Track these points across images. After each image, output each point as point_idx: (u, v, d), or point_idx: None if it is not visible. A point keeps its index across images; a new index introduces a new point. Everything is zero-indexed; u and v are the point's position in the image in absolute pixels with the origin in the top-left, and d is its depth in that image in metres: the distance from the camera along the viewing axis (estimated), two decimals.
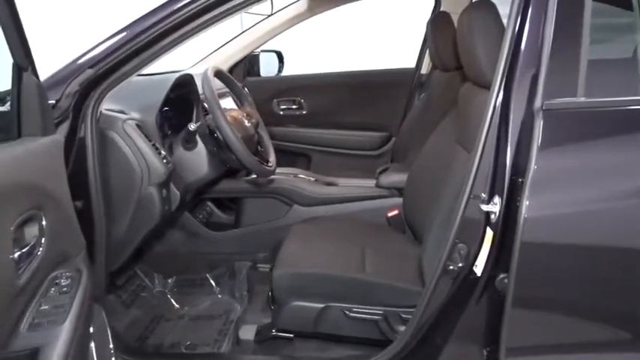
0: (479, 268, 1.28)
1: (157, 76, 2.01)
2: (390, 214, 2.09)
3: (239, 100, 1.99)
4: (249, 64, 2.89)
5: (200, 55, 2.78)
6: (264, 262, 2.16)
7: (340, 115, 2.93)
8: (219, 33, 2.97)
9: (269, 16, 2.75)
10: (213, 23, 1.42)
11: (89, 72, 1.38)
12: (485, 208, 1.21)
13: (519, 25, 1.18)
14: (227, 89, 2.10)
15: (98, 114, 1.45)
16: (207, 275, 2.17)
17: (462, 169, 1.29)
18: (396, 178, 2.17)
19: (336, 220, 2.07)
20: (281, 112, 2.94)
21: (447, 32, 2.11)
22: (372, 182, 2.23)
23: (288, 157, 3.00)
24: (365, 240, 1.80)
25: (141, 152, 1.52)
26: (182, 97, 2.00)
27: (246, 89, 2.80)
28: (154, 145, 1.57)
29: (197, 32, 1.42)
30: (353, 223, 2.03)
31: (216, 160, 1.78)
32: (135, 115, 1.59)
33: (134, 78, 1.82)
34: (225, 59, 2.79)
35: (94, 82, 1.39)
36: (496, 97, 1.20)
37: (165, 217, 1.61)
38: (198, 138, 1.74)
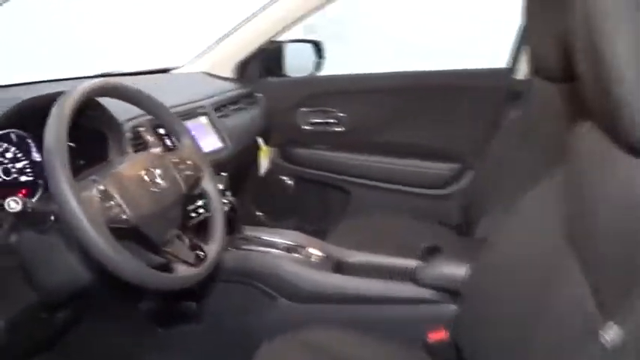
0: None
1: None
2: (432, 336, 1.20)
3: (174, 135, 1.19)
4: (267, 58, 2.06)
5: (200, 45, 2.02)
6: None
7: (392, 134, 2.03)
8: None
9: None
10: None
11: None
12: None
13: None
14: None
15: None
16: None
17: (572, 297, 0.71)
18: (448, 270, 1.26)
19: (339, 336, 1.22)
20: (308, 127, 2.08)
21: (553, 15, 1.17)
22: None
23: (316, 190, 2.16)
24: None
25: None
26: (93, 127, 1.24)
27: (259, 95, 2.01)
28: None
29: None
30: (366, 347, 1.18)
31: None
32: None
33: None
34: (234, 52, 1.99)
35: None
36: None
37: None
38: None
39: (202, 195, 1.17)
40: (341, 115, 2.04)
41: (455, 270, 1.23)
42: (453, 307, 1.24)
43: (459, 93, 1.93)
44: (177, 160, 1.10)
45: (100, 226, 0.85)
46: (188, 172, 1.10)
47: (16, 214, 0.88)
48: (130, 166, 0.99)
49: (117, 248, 0.86)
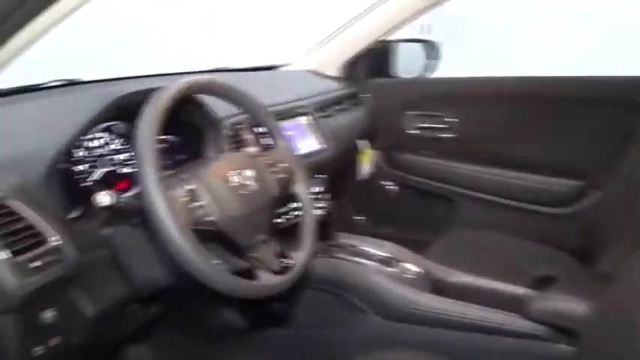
0: None
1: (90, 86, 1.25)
2: None
3: (269, 136, 1.14)
4: (376, 58, 1.97)
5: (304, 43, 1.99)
6: None
7: (507, 144, 1.85)
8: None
9: None
10: None
11: None
12: None
13: None
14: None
15: None
16: None
17: None
18: (564, 305, 1.11)
19: None
20: (415, 132, 1.97)
21: None
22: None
23: (420, 199, 2.04)
24: None
25: None
26: (193, 123, 1.23)
27: (364, 96, 1.94)
28: (22, 230, 0.83)
29: None
30: None
31: None
32: (8, 164, 0.87)
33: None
34: (342, 50, 1.93)
35: None
36: None
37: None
38: None
39: (294, 198, 1.12)
40: (451, 120, 1.90)
41: (572, 306, 1.08)
42: (565, 348, 1.09)
43: (587, 102, 1.71)
44: (271, 161, 1.05)
45: (185, 228, 0.82)
46: (281, 175, 1.05)
47: (108, 208, 0.88)
48: (221, 166, 0.96)
49: (199, 252, 0.82)
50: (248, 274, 0.93)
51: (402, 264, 1.34)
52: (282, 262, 0.98)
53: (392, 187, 2.09)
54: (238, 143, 1.25)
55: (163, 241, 0.81)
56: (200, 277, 0.83)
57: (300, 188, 1.10)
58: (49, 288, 0.85)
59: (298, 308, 1.37)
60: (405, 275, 1.31)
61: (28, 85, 1.31)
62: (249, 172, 0.97)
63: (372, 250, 1.38)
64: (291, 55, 2.00)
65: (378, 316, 1.27)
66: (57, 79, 1.36)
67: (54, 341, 0.88)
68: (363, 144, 1.89)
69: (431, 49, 2.04)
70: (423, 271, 1.33)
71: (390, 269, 1.32)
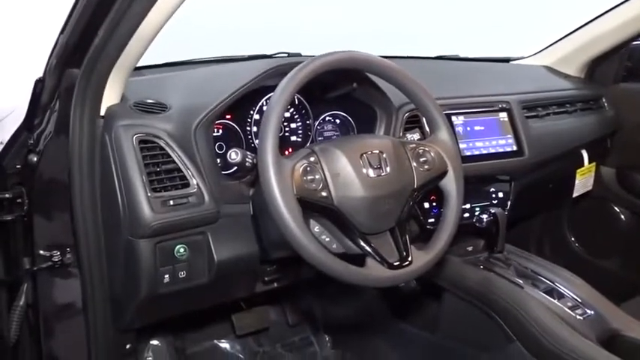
0: None
1: (258, 61, 1.25)
2: None
3: (430, 125, 1.03)
4: (631, 59, 1.66)
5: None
6: None
7: None
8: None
9: None
10: None
11: (62, 40, 0.90)
12: None
13: None
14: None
15: (99, 108, 0.95)
16: None
17: None
18: None
19: None
20: None
21: None
22: None
23: None
24: None
25: (127, 183, 0.93)
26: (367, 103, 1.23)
27: (604, 101, 1.66)
28: (170, 171, 0.95)
29: None
30: None
31: None
32: (172, 113, 1.00)
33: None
34: (585, 47, 1.66)
35: (71, 55, 0.90)
36: None
37: (164, 292, 0.97)
38: None
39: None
40: None
41: None
42: None
43: None
44: (421, 150, 0.98)
45: (289, 196, 0.82)
46: (427, 166, 0.97)
47: (240, 165, 0.94)
48: (357, 145, 0.93)
49: (298, 222, 0.82)
50: (357, 259, 0.89)
51: (574, 301, 1.12)
52: (402, 256, 0.91)
53: (622, 214, 1.75)
54: (407, 131, 1.21)
55: (269, 206, 0.83)
56: (295, 246, 0.83)
57: (449, 185, 1.00)
58: (184, 226, 0.96)
59: (444, 315, 1.27)
60: (571, 314, 1.09)
61: (257, 54, 1.48)
62: (385, 156, 0.93)
63: (542, 276, 1.19)
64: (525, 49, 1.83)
65: (524, 349, 1.09)
66: (282, 51, 1.50)
67: (181, 274, 0.98)
68: (584, 156, 1.61)
69: None
70: (598, 316, 1.09)
71: (554, 302, 1.11)
